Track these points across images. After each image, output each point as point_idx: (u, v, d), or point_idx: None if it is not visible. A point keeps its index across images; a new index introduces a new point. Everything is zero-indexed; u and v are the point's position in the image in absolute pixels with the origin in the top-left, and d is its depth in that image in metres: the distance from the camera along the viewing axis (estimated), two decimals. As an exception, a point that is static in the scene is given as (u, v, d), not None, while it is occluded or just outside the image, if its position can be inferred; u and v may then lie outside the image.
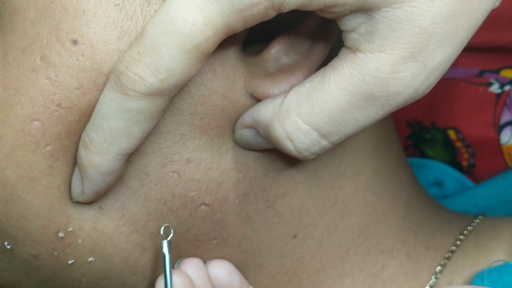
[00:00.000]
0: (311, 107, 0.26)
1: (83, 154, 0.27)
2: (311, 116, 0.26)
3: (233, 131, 0.30)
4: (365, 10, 0.25)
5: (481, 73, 0.47)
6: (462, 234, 0.36)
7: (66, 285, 0.32)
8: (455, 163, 0.48)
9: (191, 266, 0.30)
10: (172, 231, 0.30)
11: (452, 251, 0.35)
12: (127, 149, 0.27)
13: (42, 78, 0.28)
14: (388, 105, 0.26)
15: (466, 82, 0.46)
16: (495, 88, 0.46)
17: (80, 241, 0.30)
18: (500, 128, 0.45)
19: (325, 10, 0.25)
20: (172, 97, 0.27)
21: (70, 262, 0.30)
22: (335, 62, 0.27)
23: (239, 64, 0.29)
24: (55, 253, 0.30)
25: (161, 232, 0.30)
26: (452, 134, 0.47)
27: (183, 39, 0.25)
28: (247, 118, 0.29)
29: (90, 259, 0.31)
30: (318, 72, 0.27)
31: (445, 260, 0.34)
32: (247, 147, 0.30)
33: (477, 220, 0.37)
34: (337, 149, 0.32)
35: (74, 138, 0.29)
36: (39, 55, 0.28)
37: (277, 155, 0.31)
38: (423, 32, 0.24)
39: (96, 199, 0.29)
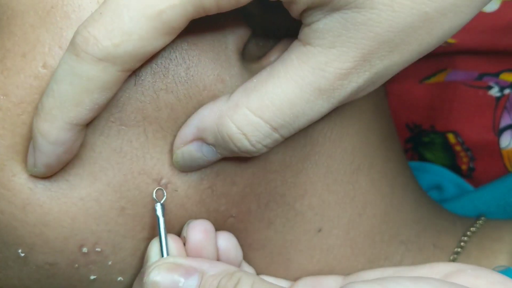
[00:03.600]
0: (260, 99, 0.26)
1: (34, 120, 0.26)
2: (261, 109, 0.26)
3: (173, 153, 0.29)
4: (323, 9, 0.25)
5: (480, 76, 0.46)
6: (465, 235, 0.36)
7: None
8: (455, 167, 0.48)
9: (201, 228, 0.30)
10: (165, 194, 0.29)
11: (457, 253, 0.35)
12: (76, 119, 0.26)
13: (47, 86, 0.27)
14: (332, 98, 0.26)
15: (466, 85, 0.46)
16: (494, 92, 0.46)
17: (110, 262, 0.30)
18: (500, 131, 0.45)
19: (288, 5, 0.26)
20: (128, 72, 0.26)
21: (92, 277, 0.30)
22: (284, 55, 0.27)
23: (243, 71, 0.29)
24: (76, 265, 0.30)
25: (154, 196, 0.29)
26: (451, 137, 0.47)
27: (146, 1, 0.24)
28: (188, 131, 0.28)
29: (119, 279, 0.30)
30: (266, 67, 0.28)
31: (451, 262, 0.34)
32: (190, 165, 0.29)
33: (480, 221, 0.37)
34: (347, 146, 0.33)
35: (86, 150, 0.28)
36: (41, 62, 0.27)
37: (292, 158, 0.31)
38: (377, 37, 0.25)
39: (48, 174, 0.28)
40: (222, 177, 0.30)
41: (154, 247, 0.29)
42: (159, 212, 0.29)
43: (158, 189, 0.29)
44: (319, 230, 0.33)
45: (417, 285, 0.24)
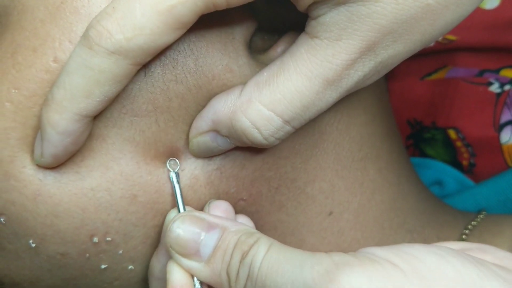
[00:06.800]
0: (272, 93, 0.27)
1: (43, 111, 0.27)
2: (273, 103, 0.27)
3: (189, 141, 0.30)
4: (329, 2, 0.26)
5: (481, 73, 0.47)
6: (466, 228, 0.36)
7: (92, 285, 0.32)
8: (456, 163, 0.48)
9: (222, 208, 0.30)
10: (178, 164, 0.30)
11: None
12: (85, 110, 0.26)
13: None
14: (340, 88, 0.27)
15: (466, 82, 0.47)
16: (495, 88, 0.46)
17: (121, 251, 0.30)
18: (500, 127, 0.46)
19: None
20: (139, 66, 0.26)
21: (103, 266, 0.31)
22: (292, 48, 0.28)
23: (251, 61, 0.30)
24: (87, 255, 0.30)
25: (168, 166, 0.30)
26: (452, 133, 0.47)
27: None
28: (203, 122, 0.29)
29: (130, 267, 0.31)
30: (275, 60, 0.28)
31: None
32: (206, 153, 0.30)
33: (481, 216, 0.38)
34: (355, 135, 0.34)
35: (98, 142, 0.29)
36: (52, 57, 0.28)
37: (301, 146, 0.32)
38: (381, 29, 0.26)
39: (55, 164, 0.29)
40: (231, 159, 0.30)
41: (172, 213, 0.30)
42: (174, 179, 0.30)
43: (171, 159, 0.30)
44: (330, 213, 0.33)
45: (430, 249, 0.25)
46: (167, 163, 0.30)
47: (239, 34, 0.29)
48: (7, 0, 0.29)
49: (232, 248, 0.27)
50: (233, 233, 0.28)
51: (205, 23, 0.28)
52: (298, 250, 0.26)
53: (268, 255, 0.26)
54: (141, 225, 0.30)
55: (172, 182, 0.30)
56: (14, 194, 0.29)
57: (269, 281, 0.25)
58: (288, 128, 0.28)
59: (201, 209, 0.31)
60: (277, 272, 0.25)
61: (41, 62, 0.28)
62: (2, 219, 0.29)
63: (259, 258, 0.26)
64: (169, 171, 0.30)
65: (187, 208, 0.30)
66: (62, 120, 0.26)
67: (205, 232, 0.28)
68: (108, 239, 0.30)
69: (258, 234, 0.27)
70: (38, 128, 0.28)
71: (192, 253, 0.28)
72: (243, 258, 0.26)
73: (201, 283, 0.28)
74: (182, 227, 0.28)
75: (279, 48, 0.30)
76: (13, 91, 0.28)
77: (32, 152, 0.29)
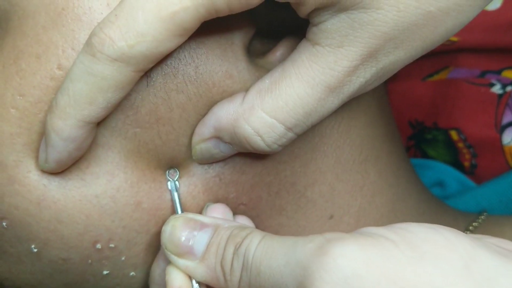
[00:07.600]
0: (275, 101, 0.27)
1: (48, 117, 0.27)
2: (276, 110, 0.27)
3: (192, 148, 0.30)
4: (331, 9, 0.26)
5: (483, 74, 0.47)
6: (467, 229, 0.36)
7: None
8: (457, 164, 0.48)
9: (219, 211, 0.30)
10: (178, 172, 0.30)
11: None
12: (89, 117, 0.27)
13: None
14: (342, 94, 0.27)
15: (468, 83, 0.47)
16: (496, 89, 0.46)
17: (123, 258, 0.31)
18: (502, 128, 0.46)
19: (296, 5, 0.27)
20: (141, 73, 0.26)
21: (105, 272, 0.31)
22: (294, 55, 0.28)
23: (250, 66, 0.30)
24: (89, 261, 0.30)
25: (167, 176, 0.30)
26: (454, 134, 0.48)
27: (160, 3, 0.25)
28: (206, 129, 0.29)
29: (131, 274, 0.31)
30: (277, 66, 0.28)
31: None
32: (208, 159, 0.30)
33: (482, 217, 0.38)
34: (355, 138, 0.34)
35: (104, 150, 0.29)
36: (56, 64, 0.28)
37: (301, 150, 0.32)
38: (383, 36, 0.26)
39: (59, 170, 0.29)
40: (231, 166, 0.31)
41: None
42: (172, 187, 0.30)
43: (170, 169, 0.30)
44: (331, 217, 0.33)
45: (422, 224, 0.25)
46: (167, 172, 0.30)
47: (238, 39, 0.30)
48: (7, 4, 0.29)
49: (225, 242, 0.27)
50: (225, 229, 0.28)
51: (205, 29, 0.28)
52: (291, 236, 0.26)
53: (261, 244, 0.26)
54: (144, 232, 0.30)
55: (170, 191, 0.30)
56: (18, 198, 0.29)
57: (263, 266, 0.25)
58: (290, 134, 0.28)
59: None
60: (271, 257, 0.25)
61: (45, 69, 0.28)
62: (4, 223, 0.30)
63: (252, 247, 0.26)
64: (168, 180, 0.30)
65: (184, 212, 0.30)
66: (66, 126, 0.27)
67: (198, 231, 0.28)
68: (111, 245, 0.30)
69: (251, 228, 0.27)
70: (43, 134, 0.28)
71: (186, 252, 0.28)
72: (236, 249, 0.27)
73: (200, 284, 0.28)
74: (175, 227, 0.28)
75: (278, 52, 0.30)
76: (18, 97, 0.28)
77: (37, 157, 0.29)
